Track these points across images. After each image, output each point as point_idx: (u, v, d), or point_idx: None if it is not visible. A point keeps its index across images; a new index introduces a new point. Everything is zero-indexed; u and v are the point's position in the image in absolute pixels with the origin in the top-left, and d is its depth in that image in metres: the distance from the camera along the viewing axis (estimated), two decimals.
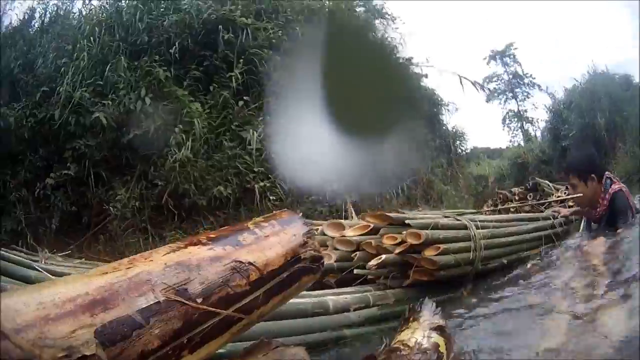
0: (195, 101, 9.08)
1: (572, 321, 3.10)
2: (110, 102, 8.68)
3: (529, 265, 5.04)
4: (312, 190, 8.50)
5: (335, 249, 4.89)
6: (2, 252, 3.58)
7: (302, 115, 7.81)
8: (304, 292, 3.81)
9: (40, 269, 3.46)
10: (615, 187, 5.11)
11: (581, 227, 6.03)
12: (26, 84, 9.42)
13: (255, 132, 8.79)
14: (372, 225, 4.86)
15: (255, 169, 8.56)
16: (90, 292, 1.59)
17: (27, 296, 1.52)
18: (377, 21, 14.56)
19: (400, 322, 2.84)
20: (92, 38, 9.63)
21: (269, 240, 2.29)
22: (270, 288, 2.16)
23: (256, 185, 8.33)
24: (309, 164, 8.10)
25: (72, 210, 8.51)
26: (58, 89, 8.93)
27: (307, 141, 7.84)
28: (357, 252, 4.64)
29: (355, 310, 3.81)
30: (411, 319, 2.80)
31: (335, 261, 4.68)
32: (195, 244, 2.02)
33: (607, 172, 5.27)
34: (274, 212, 2.67)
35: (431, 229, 4.45)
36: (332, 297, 3.79)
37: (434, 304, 2.94)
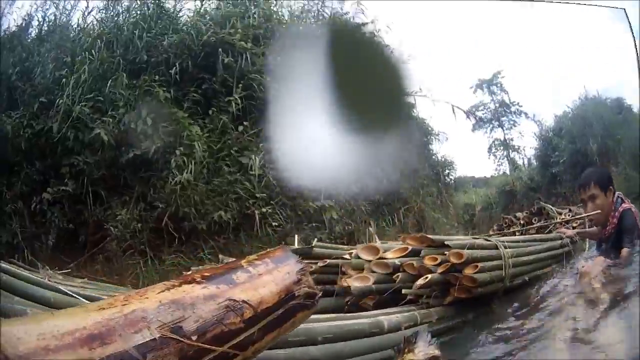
0: (195, 124, 9.06)
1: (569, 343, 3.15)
2: (110, 120, 8.62)
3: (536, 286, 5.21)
4: (311, 217, 8.60)
5: (372, 271, 5.06)
6: (19, 272, 3.63)
7: (300, 142, 7.92)
8: (359, 313, 3.97)
9: (68, 292, 3.50)
10: (625, 205, 5.12)
11: (587, 247, 6.12)
12: (23, 92, 9.29)
13: (256, 158, 8.82)
14: (410, 248, 5.04)
15: (257, 195, 8.60)
16: (88, 327, 1.64)
17: (28, 325, 1.57)
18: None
19: (395, 354, 2.90)
20: (92, 51, 9.58)
21: (263, 279, 2.33)
22: (264, 325, 2.20)
23: (256, 212, 8.37)
24: (309, 190, 8.24)
25: (69, 228, 8.40)
26: (57, 101, 8.82)
27: (305, 168, 7.94)
28: (399, 274, 4.81)
29: (405, 328, 3.96)
30: (406, 350, 2.84)
31: (373, 283, 4.86)
32: (189, 283, 2.06)
33: (618, 192, 5.30)
34: (268, 250, 2.72)
35: (468, 249, 4.65)
36: (385, 317, 3.98)
37: (429, 335, 3.00)
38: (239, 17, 10.57)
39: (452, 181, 18.42)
